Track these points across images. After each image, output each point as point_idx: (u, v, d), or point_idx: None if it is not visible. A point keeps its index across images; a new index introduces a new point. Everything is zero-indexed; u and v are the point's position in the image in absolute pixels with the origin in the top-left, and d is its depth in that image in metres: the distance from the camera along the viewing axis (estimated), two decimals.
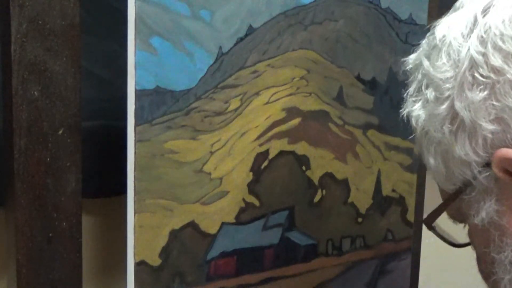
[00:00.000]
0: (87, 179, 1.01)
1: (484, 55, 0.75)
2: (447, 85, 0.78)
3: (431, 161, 0.82)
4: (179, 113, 0.95)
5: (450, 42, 0.79)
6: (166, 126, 0.94)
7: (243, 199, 1.02)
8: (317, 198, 1.10)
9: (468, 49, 0.77)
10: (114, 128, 1.07)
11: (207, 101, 0.97)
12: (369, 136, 1.13)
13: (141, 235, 0.94)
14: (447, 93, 0.78)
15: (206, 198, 0.99)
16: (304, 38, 1.04)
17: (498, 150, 0.76)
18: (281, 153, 1.05)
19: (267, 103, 1.02)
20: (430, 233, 1.24)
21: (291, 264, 1.09)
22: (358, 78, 1.11)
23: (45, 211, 0.96)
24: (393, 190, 1.18)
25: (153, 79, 0.92)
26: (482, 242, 0.83)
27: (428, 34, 0.86)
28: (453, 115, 0.78)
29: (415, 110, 0.83)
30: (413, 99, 0.83)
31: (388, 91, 1.14)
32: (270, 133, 1.03)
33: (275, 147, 1.04)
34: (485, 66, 0.75)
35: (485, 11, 0.77)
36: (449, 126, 0.78)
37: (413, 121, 0.83)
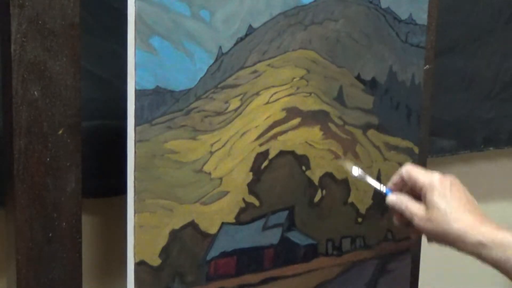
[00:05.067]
0: (87, 179, 1.01)
1: None
2: None
3: None
4: (179, 113, 0.95)
5: None
6: (166, 126, 0.94)
7: (243, 199, 1.02)
8: (317, 198, 1.10)
9: None
10: (114, 128, 1.07)
11: (207, 101, 0.97)
12: (369, 136, 1.13)
13: (141, 235, 0.94)
14: None
15: (206, 198, 0.99)
16: (304, 38, 1.04)
17: None
18: (281, 153, 1.05)
19: (267, 103, 1.02)
20: None
21: (291, 264, 1.09)
22: (358, 78, 1.11)
23: (45, 211, 0.96)
24: None
25: (153, 79, 0.92)
26: None
27: None
28: None
29: None
30: None
31: (388, 91, 1.14)
32: (270, 133, 1.03)
33: (275, 147, 1.04)
34: None
35: None
36: None
37: None
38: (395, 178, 1.03)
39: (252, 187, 1.03)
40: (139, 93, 0.91)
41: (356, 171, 1.06)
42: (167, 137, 0.95)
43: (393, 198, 1.02)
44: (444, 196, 0.96)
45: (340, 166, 1.09)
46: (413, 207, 0.99)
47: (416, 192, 0.99)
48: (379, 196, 1.13)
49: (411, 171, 1.01)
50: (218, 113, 0.98)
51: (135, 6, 0.89)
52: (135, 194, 0.93)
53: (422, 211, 0.98)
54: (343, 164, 1.08)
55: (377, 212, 1.17)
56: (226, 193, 1.00)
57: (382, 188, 1.03)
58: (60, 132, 0.95)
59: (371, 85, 1.12)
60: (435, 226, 0.96)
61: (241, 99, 1.00)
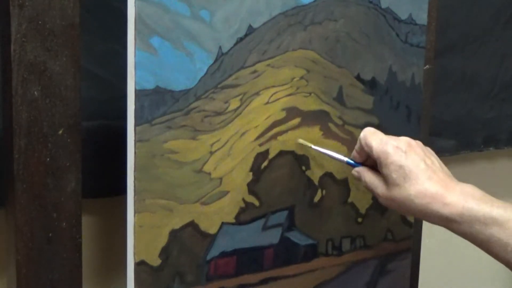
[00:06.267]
0: (87, 179, 1.01)
1: None
2: None
3: None
4: (179, 113, 0.95)
5: None
6: (166, 126, 0.94)
7: (243, 199, 1.02)
8: (317, 198, 1.10)
9: None
10: (114, 128, 1.07)
11: (207, 101, 0.97)
12: None
13: (141, 235, 0.94)
14: None
15: (206, 198, 0.99)
16: (303, 38, 1.04)
17: None
18: (281, 153, 1.05)
19: (267, 103, 1.02)
20: (430, 233, 1.24)
21: (291, 264, 1.09)
22: (358, 78, 1.11)
23: (45, 211, 0.96)
24: None
25: (153, 79, 0.92)
26: None
27: None
28: None
29: None
30: None
31: (388, 91, 1.14)
32: (270, 133, 1.03)
33: (275, 147, 1.04)
34: None
35: None
36: None
37: None
38: (357, 145, 0.97)
39: (252, 187, 1.03)
40: (139, 93, 0.91)
41: (314, 146, 1.03)
42: (167, 137, 0.95)
43: (354, 173, 0.97)
44: (401, 168, 0.90)
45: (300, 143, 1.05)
46: (374, 185, 0.94)
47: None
48: None
49: (367, 137, 0.95)
50: (218, 113, 0.98)
51: (135, 6, 0.90)
52: (135, 194, 0.93)
53: (384, 189, 0.92)
54: (302, 142, 1.05)
55: (377, 212, 1.17)
56: (226, 193, 1.00)
57: (343, 159, 0.98)
58: (60, 132, 0.95)
59: (371, 85, 1.12)
60: (398, 204, 0.91)
61: (241, 99, 1.00)
